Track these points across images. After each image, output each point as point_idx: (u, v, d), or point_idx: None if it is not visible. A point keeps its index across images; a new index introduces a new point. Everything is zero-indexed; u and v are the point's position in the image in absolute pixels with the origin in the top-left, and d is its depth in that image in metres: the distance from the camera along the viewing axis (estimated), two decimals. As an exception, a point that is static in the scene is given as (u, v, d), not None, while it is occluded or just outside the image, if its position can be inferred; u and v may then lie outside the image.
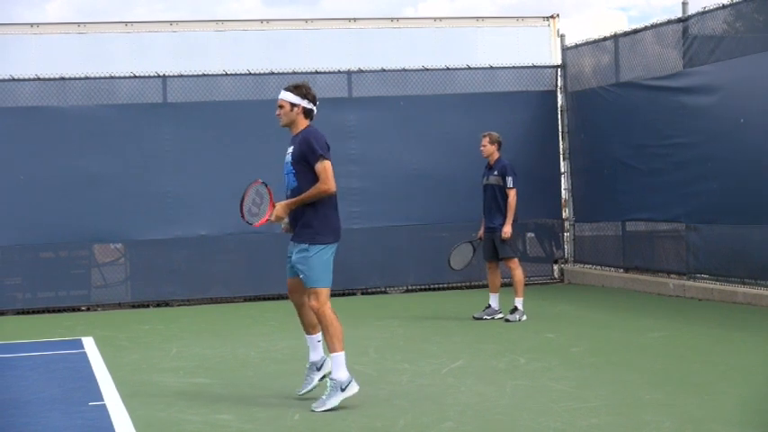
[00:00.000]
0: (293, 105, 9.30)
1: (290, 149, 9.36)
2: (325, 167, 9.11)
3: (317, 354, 9.56)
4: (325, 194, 9.15)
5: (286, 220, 9.33)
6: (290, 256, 9.30)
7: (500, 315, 14.37)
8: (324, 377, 9.44)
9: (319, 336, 9.47)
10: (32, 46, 17.74)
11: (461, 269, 14.96)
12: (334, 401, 9.02)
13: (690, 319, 13.95)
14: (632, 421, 8.30)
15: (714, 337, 12.54)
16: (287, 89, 9.34)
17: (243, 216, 9.57)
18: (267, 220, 9.37)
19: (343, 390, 9.06)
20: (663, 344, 12.16)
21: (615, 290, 17.42)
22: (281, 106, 9.34)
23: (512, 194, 14.23)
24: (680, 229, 16.45)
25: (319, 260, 9.12)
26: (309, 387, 9.54)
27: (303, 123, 9.34)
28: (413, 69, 18.49)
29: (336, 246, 9.29)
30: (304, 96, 9.31)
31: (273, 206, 9.32)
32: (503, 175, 14.25)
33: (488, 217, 14.41)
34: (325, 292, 9.13)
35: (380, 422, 8.53)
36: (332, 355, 9.11)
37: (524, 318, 14.18)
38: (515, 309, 14.24)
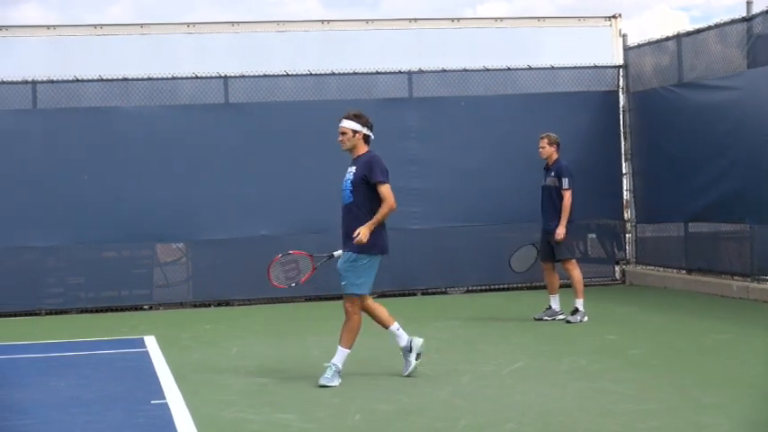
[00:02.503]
0: (355, 132, 10.37)
1: (352, 169, 10.39)
2: (388, 189, 10.24)
3: (402, 340, 10.56)
4: (391, 212, 10.30)
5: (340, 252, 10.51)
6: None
7: (561, 316, 14.30)
8: (419, 354, 10.52)
9: (395, 325, 10.53)
10: (96, 47, 17.87)
11: (523, 272, 14.90)
12: (336, 382, 10.15)
13: (753, 321, 13.80)
14: (692, 424, 8.24)
15: (778, 339, 12.42)
16: (348, 117, 10.40)
17: (273, 281, 11.26)
18: (310, 275, 11.09)
19: (340, 375, 10.24)
20: (725, 347, 12.05)
21: (677, 291, 17.28)
22: (343, 133, 10.38)
23: (567, 196, 14.14)
24: (744, 230, 16.28)
25: (363, 269, 10.25)
26: (410, 369, 10.51)
27: (363, 148, 10.42)
28: (474, 70, 18.44)
29: (380, 258, 10.41)
30: (364, 124, 10.40)
31: (314, 270, 11.11)
32: (559, 177, 14.18)
33: (545, 218, 14.36)
34: (358, 299, 10.32)
35: (441, 423, 8.52)
36: (342, 348, 10.30)
37: (585, 319, 14.10)
38: (576, 310, 14.16)
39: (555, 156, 14.35)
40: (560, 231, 14.09)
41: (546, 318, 14.33)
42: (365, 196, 10.25)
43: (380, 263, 10.44)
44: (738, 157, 16.10)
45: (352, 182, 10.29)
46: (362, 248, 10.17)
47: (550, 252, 14.33)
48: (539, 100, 18.50)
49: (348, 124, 10.36)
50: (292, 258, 11.08)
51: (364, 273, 10.27)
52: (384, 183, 10.21)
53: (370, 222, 10.18)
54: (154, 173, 17.28)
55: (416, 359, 10.51)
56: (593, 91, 18.92)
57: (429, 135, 18.02)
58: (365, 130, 10.37)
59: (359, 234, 10.09)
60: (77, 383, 10.72)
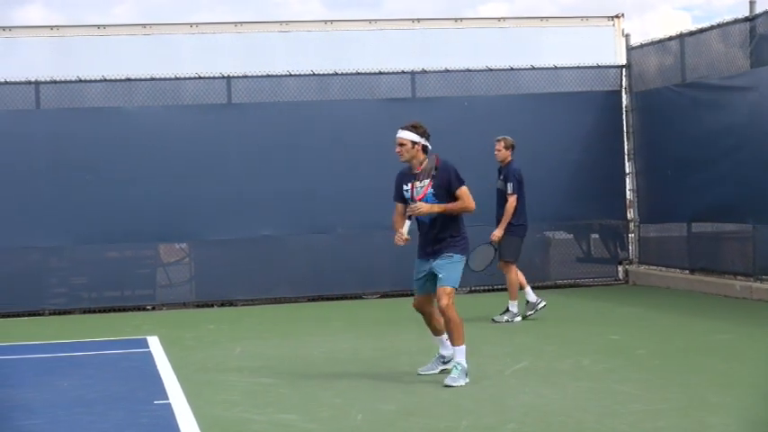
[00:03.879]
0: (414, 143, 10.28)
1: (422, 182, 10.29)
2: (466, 190, 10.33)
3: (447, 350, 10.55)
4: (464, 212, 10.39)
5: (405, 231, 10.27)
6: (422, 276, 10.38)
7: (519, 318, 14.45)
8: (443, 371, 10.46)
9: (446, 336, 10.47)
10: (99, 47, 17.89)
11: (480, 270, 14.87)
12: (462, 382, 9.98)
13: (757, 321, 13.79)
14: (698, 424, 8.22)
15: (781, 339, 12.41)
16: (406, 128, 10.32)
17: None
18: (420, 199, 10.30)
19: (466, 375, 10.05)
20: (729, 346, 12.04)
21: (680, 291, 17.26)
22: (402, 144, 10.30)
23: (510, 200, 14.23)
24: (746, 230, 16.26)
25: (459, 266, 10.30)
26: (430, 372, 10.56)
27: (423, 158, 10.32)
28: (476, 70, 18.43)
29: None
30: (422, 135, 10.32)
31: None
32: (506, 180, 14.23)
33: (497, 220, 14.46)
34: (453, 292, 10.27)
35: (443, 423, 8.52)
36: (456, 347, 10.18)
37: (517, 320, 14.29)
38: (506, 310, 14.38)
39: (509, 159, 14.40)
40: (497, 233, 14.22)
41: (529, 313, 14.49)
42: (447, 201, 10.33)
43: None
44: (741, 157, 16.08)
45: (433, 194, 10.26)
46: (458, 249, 10.29)
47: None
48: (542, 100, 18.50)
49: (407, 135, 10.28)
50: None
51: (459, 269, 10.34)
52: (462, 184, 10.36)
53: (436, 205, 10.21)
54: (157, 173, 17.28)
55: (440, 371, 10.52)
56: (596, 91, 18.91)
57: (432, 135, 17.91)
58: (423, 141, 10.30)
59: (419, 211, 10.19)
60: (81, 383, 10.72)
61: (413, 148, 10.26)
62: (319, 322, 15.14)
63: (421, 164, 10.30)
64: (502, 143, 14.47)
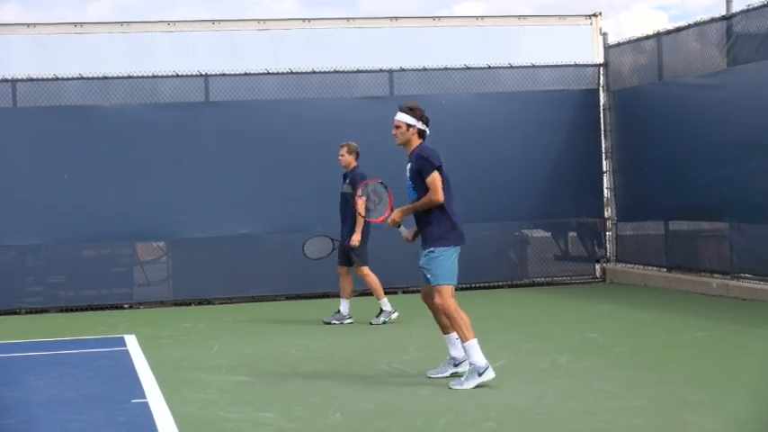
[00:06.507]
0: (409, 126, 9.93)
1: (408, 166, 10.02)
2: (434, 179, 9.77)
3: (457, 351, 10.14)
4: (432, 204, 9.81)
5: (403, 229, 10.15)
6: (420, 267, 10.05)
7: (349, 320, 14.44)
8: (455, 374, 10.02)
9: (455, 335, 10.06)
10: (76, 45, 17.83)
11: (314, 260, 14.84)
12: (472, 384, 9.62)
13: (733, 318, 13.83)
14: (675, 422, 8.24)
15: (758, 337, 12.45)
16: (402, 110, 9.98)
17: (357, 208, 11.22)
18: (383, 219, 10.51)
19: (480, 374, 9.65)
20: (706, 344, 12.08)
21: (658, 289, 17.31)
22: (397, 126, 9.97)
23: (360, 203, 14.23)
24: (723, 229, 16.32)
25: (444, 261, 9.84)
26: (440, 375, 10.16)
27: (416, 143, 9.97)
28: (454, 68, 18.45)
29: (459, 248, 10.00)
30: (419, 118, 9.94)
31: (391, 209, 10.36)
32: (353, 185, 14.22)
33: (342, 224, 14.46)
34: (447, 289, 9.88)
35: (421, 421, 8.51)
36: (464, 344, 9.75)
37: (394, 316, 14.31)
38: (381, 311, 14.37)
39: (353, 164, 14.43)
40: (355, 239, 14.19)
41: (334, 321, 14.43)
42: (424, 191, 9.87)
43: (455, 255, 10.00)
44: (718, 156, 16.13)
45: (410, 178, 9.96)
46: (439, 242, 9.83)
47: (346, 257, 14.44)
48: (520, 98, 18.53)
49: (403, 117, 9.94)
50: (382, 194, 10.82)
51: (444, 264, 9.88)
52: (433, 170, 9.77)
53: (405, 207, 9.95)
54: (134, 171, 17.24)
55: (451, 375, 10.11)
56: (574, 89, 18.95)
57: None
58: (419, 125, 9.93)
59: (393, 221, 10.06)
60: (58, 382, 10.67)
61: (407, 131, 9.93)
62: (297, 321, 15.11)
63: (412, 149, 10.01)
64: (345, 149, 14.47)
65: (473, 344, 9.72)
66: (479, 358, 9.70)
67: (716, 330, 12.96)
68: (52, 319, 16.40)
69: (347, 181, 14.38)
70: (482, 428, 8.24)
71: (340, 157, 14.48)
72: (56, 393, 10.11)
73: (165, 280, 17.85)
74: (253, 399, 9.62)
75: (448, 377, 10.09)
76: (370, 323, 14.27)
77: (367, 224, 14.13)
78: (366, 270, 14.43)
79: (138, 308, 17.33)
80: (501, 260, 18.55)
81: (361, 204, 13.18)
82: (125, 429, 8.59)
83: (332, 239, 14.64)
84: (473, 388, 9.57)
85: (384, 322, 14.26)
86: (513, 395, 9.39)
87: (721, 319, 13.78)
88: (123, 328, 14.75)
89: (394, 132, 10.01)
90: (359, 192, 12.71)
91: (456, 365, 10.16)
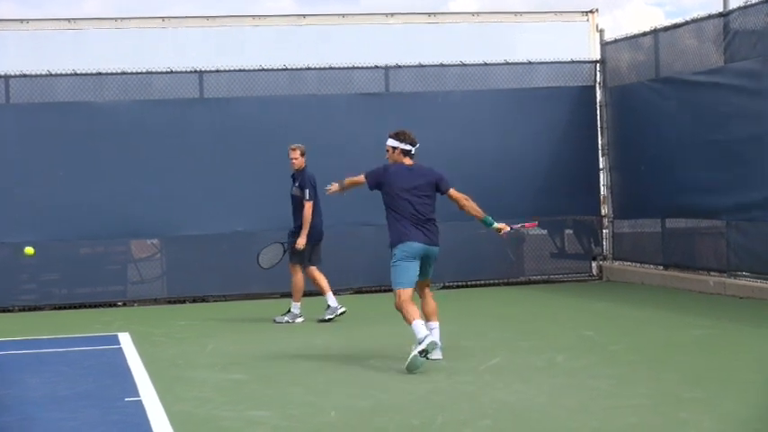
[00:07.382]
0: (394, 149, 11.35)
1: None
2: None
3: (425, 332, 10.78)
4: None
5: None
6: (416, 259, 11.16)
7: (301, 319, 14.52)
8: (424, 352, 10.42)
9: (433, 324, 11.16)
10: (69, 41, 17.76)
11: (268, 268, 14.89)
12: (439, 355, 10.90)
13: (730, 316, 13.80)
14: (671, 420, 8.20)
15: (755, 335, 12.42)
16: (390, 136, 11.41)
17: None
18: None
19: (419, 342, 10.45)
20: (703, 342, 12.05)
21: (654, 287, 17.27)
22: (387, 150, 11.39)
23: (307, 207, 14.34)
24: (720, 227, 16.28)
25: (394, 266, 11.13)
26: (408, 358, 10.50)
27: (400, 159, 11.38)
28: (450, 65, 18.41)
29: (401, 247, 11.08)
30: (401, 141, 11.33)
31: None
32: (302, 187, 14.22)
33: (294, 224, 14.58)
34: (398, 291, 11.05)
35: (418, 420, 8.46)
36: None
37: (299, 320, 14.41)
38: (288, 311, 14.51)
39: (303, 166, 14.50)
40: (300, 242, 14.28)
41: (328, 316, 14.47)
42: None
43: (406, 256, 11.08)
44: (715, 153, 16.10)
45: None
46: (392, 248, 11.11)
47: (299, 256, 14.53)
48: (516, 95, 18.48)
49: (389, 142, 11.38)
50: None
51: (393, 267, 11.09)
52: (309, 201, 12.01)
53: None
54: (128, 168, 17.18)
55: (420, 354, 10.41)
56: (570, 86, 18.90)
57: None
58: (402, 146, 11.35)
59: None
60: (52, 380, 10.62)
61: (394, 152, 11.34)
62: (292, 318, 15.06)
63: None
64: (297, 151, 14.57)
65: (414, 326, 10.69)
66: (421, 332, 10.62)
67: (713, 328, 12.93)
68: (46, 317, 16.35)
69: (296, 183, 14.46)
70: (478, 427, 8.19)
71: (294, 160, 14.57)
72: (49, 391, 10.05)
73: (160, 277, 17.80)
74: (248, 397, 9.57)
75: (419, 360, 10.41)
76: (274, 320, 14.47)
77: (319, 225, 14.42)
78: (298, 269, 14.53)
79: (133, 305, 17.27)
80: (497, 258, 18.49)
81: (308, 208, 14.17)
82: (118, 428, 8.54)
83: (282, 243, 14.69)
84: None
85: (288, 322, 14.39)
86: (509, 393, 9.35)
87: (718, 317, 13.75)
88: (117, 325, 14.70)
89: (387, 156, 11.43)
90: (306, 196, 14.01)
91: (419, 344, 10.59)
